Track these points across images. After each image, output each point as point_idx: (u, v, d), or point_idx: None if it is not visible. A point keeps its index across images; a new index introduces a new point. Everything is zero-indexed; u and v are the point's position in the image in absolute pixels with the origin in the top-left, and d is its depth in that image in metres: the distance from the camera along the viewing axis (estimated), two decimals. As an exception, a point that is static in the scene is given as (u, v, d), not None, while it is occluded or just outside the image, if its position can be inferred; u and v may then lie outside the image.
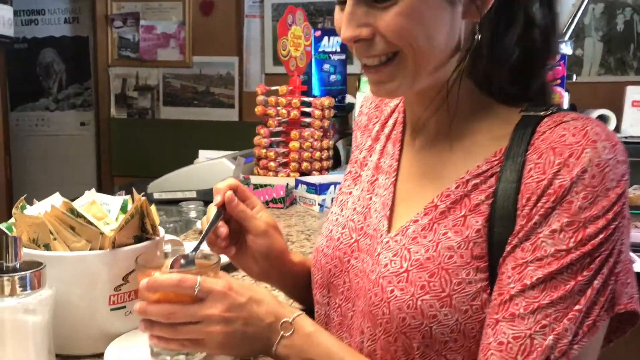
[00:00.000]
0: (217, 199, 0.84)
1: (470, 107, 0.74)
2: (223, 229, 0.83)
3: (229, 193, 0.84)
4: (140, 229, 0.85)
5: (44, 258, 0.77)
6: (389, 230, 0.76)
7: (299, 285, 0.93)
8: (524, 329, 0.62)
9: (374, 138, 0.88)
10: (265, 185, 1.87)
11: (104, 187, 3.96)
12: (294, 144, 2.01)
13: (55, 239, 0.80)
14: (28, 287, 0.72)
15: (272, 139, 2.04)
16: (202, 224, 0.82)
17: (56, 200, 0.85)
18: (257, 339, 0.72)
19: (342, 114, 2.42)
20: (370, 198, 0.82)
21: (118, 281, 0.82)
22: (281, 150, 2.04)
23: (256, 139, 2.04)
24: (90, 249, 0.81)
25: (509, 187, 0.67)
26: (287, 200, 1.87)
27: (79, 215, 0.80)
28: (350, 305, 0.78)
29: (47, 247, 0.81)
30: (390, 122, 0.86)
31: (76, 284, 0.80)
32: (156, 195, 1.98)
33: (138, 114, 4.15)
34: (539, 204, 0.63)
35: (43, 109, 4.31)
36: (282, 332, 0.72)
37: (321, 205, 1.83)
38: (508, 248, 0.65)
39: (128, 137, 4.06)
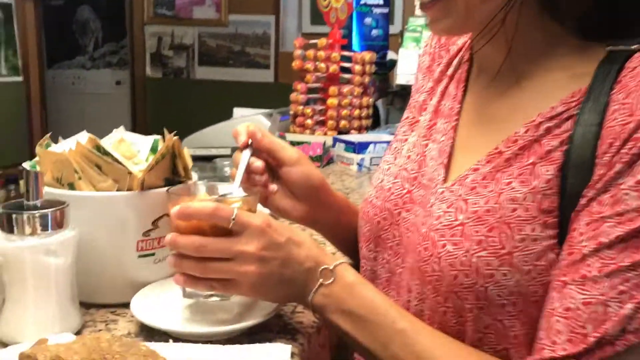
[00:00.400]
0: (241, 139, 0.77)
1: (542, 40, 0.65)
2: (258, 163, 0.77)
3: (252, 127, 0.77)
4: (171, 171, 0.79)
5: (68, 198, 0.71)
6: (445, 180, 0.68)
7: (347, 232, 0.86)
8: (597, 294, 0.53)
9: (436, 79, 0.79)
10: (302, 143, 1.79)
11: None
12: (332, 101, 1.93)
13: (80, 178, 0.74)
14: (50, 227, 0.67)
15: (310, 95, 1.96)
16: (232, 174, 0.76)
17: (82, 137, 0.78)
18: (293, 283, 0.66)
19: (383, 72, 2.31)
20: (427, 145, 0.74)
21: (147, 226, 0.76)
22: (318, 107, 1.96)
23: (293, 96, 1.97)
24: (117, 190, 0.74)
25: (588, 132, 0.57)
26: (324, 158, 1.79)
27: (105, 152, 0.74)
28: (399, 261, 0.71)
29: (71, 186, 0.75)
30: (455, 61, 0.77)
31: (101, 227, 0.74)
32: (190, 152, 1.92)
33: (173, 74, 4.11)
34: (623, 150, 0.54)
35: (79, 67, 4.29)
36: (320, 280, 0.65)
37: (359, 165, 1.75)
38: (583, 201, 0.56)
39: (163, 97, 4.03)
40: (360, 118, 1.99)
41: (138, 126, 4.14)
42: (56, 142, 0.83)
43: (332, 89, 1.92)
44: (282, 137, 1.88)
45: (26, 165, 0.79)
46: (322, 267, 0.66)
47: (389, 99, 2.42)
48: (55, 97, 3.94)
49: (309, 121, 1.95)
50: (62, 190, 0.74)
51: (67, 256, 0.69)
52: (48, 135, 0.82)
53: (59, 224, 0.68)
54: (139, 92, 4.11)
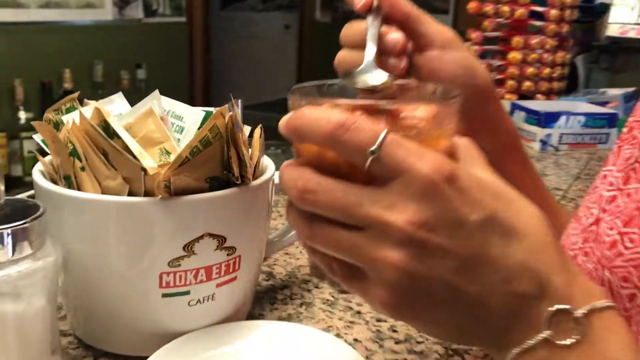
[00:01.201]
0: None
1: None
2: (395, 34, 0.46)
3: None
4: (223, 166, 0.50)
5: (52, 199, 0.46)
6: None
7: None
8: None
9: None
10: (469, 108, 1.42)
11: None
12: (515, 55, 1.54)
13: (83, 168, 0.48)
14: (11, 251, 0.42)
15: (486, 47, 1.58)
16: (343, 40, 0.49)
17: (156, 103, 0.51)
18: (479, 313, 0.32)
19: (589, 19, 1.82)
20: None
21: (176, 251, 0.48)
22: (497, 62, 1.58)
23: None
24: (129, 194, 0.47)
25: None
26: (496, 130, 1.40)
27: (114, 134, 0.47)
28: None
29: (67, 180, 0.49)
30: None
31: (105, 249, 0.48)
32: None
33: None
34: None
35: (250, 9, 4.19)
36: (547, 333, 0.31)
37: (543, 142, 1.33)
38: None
39: (332, 43, 3.78)
40: (550, 79, 1.57)
41: (303, 75, 3.96)
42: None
43: (516, 40, 1.54)
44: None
45: (37, 138, 0.54)
46: (559, 307, 0.31)
47: (593, 56, 1.90)
48: (221, 41, 3.88)
49: (481, 80, 1.55)
50: (53, 186, 0.49)
51: (35, 297, 0.44)
52: (76, 94, 0.57)
53: (22, 248, 0.42)
54: (306, 37, 3.91)
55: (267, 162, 0.58)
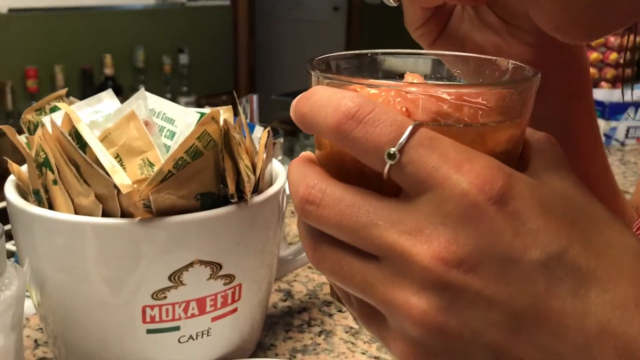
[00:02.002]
0: None
1: None
2: None
3: None
4: (217, 181, 0.41)
5: (21, 217, 0.40)
6: None
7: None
8: None
9: None
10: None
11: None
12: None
13: (55, 182, 0.41)
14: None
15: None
16: None
17: (140, 104, 0.44)
18: None
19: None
20: None
21: (159, 282, 0.41)
22: None
23: None
24: (104, 213, 0.40)
25: None
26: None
27: (84, 144, 0.39)
28: None
29: (37, 195, 0.42)
30: None
31: (78, 277, 0.41)
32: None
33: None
34: None
35: (299, -10, 4.08)
36: None
37: (608, 137, 1.19)
38: None
39: (381, 26, 3.65)
40: (617, 65, 1.41)
41: (351, 57, 3.84)
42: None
43: None
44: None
45: (23, 140, 0.47)
46: None
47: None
48: (266, 24, 3.80)
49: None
50: (22, 202, 0.42)
51: (-11, 337, 0.37)
52: (63, 91, 0.49)
53: (-30, 280, 0.35)
54: (355, 20, 3.79)
55: (278, 169, 0.50)
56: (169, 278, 0.41)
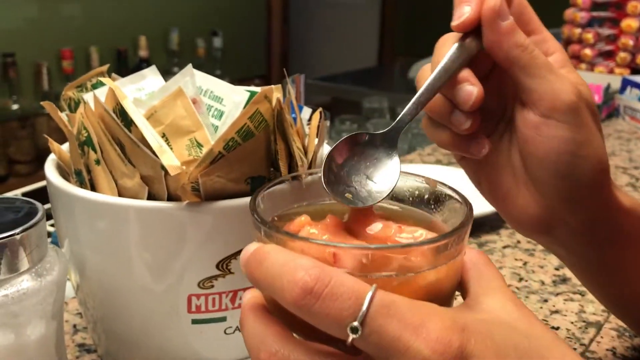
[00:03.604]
0: (465, 10, 0.34)
1: None
2: (470, 87, 0.34)
3: (494, 2, 0.34)
4: (267, 164, 0.39)
5: (62, 198, 0.38)
6: None
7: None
8: None
9: None
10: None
11: (385, 66, 3.60)
12: (630, 23, 1.36)
13: (98, 161, 0.39)
14: (-1, 268, 0.33)
15: (595, 13, 1.38)
16: (417, 83, 0.36)
17: (189, 83, 0.41)
18: None
19: None
20: None
21: (207, 270, 0.38)
22: (606, 31, 1.38)
23: (568, 12, 1.41)
24: (150, 196, 0.38)
25: None
26: (603, 109, 1.23)
27: (131, 122, 0.37)
28: None
29: (79, 176, 0.40)
30: None
31: (121, 262, 0.39)
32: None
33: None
34: None
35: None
36: None
37: (663, 126, 1.14)
38: None
39: (416, 11, 3.58)
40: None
41: (385, 43, 3.78)
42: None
43: (632, 5, 1.34)
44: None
45: (64, 117, 0.45)
46: None
47: None
48: (300, 8, 3.75)
49: (587, 51, 1.39)
50: (63, 183, 0.40)
51: (29, 326, 0.35)
52: (104, 67, 0.47)
53: (11, 265, 0.34)
54: (390, 4, 3.72)
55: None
56: (217, 266, 0.38)
